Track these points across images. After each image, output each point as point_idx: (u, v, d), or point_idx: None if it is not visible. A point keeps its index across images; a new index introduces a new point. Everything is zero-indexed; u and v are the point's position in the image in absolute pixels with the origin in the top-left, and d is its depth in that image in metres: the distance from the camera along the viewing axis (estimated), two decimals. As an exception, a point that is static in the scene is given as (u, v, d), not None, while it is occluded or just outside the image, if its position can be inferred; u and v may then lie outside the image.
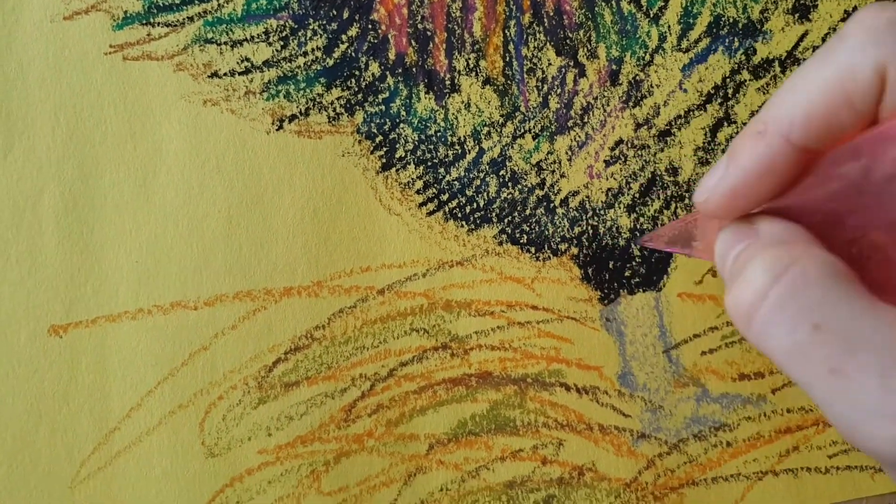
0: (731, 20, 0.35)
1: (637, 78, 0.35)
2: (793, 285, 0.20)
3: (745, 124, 0.34)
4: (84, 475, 0.31)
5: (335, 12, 0.34)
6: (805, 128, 0.21)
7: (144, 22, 0.33)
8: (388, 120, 0.34)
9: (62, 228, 0.32)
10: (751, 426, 0.34)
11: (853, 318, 0.20)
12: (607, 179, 0.34)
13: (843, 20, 0.35)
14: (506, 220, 0.34)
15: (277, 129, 0.33)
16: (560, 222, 0.34)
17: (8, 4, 0.33)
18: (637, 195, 0.34)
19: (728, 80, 0.35)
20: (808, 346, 0.20)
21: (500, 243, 0.34)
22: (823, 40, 0.35)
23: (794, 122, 0.22)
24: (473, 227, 0.34)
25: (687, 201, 0.34)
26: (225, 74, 0.33)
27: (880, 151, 0.21)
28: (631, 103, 0.35)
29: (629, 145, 0.34)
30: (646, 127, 0.35)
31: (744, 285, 0.21)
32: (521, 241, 0.34)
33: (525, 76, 0.34)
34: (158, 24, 0.33)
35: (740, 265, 0.22)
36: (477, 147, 0.34)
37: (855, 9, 0.35)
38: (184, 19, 0.33)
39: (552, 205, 0.34)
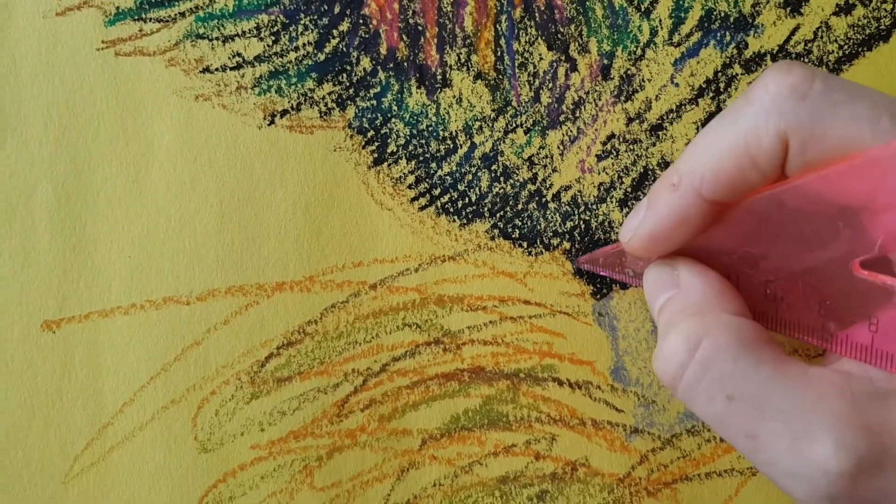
0: (723, 14, 0.35)
1: (628, 72, 0.35)
2: (704, 360, 0.22)
3: (737, 118, 0.35)
4: (77, 470, 0.32)
5: (326, 7, 0.34)
6: (714, 184, 0.23)
7: (136, 18, 0.33)
8: (379, 115, 0.34)
9: (55, 224, 0.32)
10: (744, 420, 0.34)
11: (763, 386, 0.22)
12: (599, 174, 0.34)
13: (835, 14, 0.35)
14: (498, 215, 0.34)
15: (269, 124, 0.33)
16: (552, 217, 0.34)
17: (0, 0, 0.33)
18: (629, 189, 0.34)
19: (720, 74, 0.35)
20: (724, 415, 0.22)
21: (493, 238, 0.34)
22: (815, 34, 0.35)
23: (704, 178, 0.24)
24: (465, 221, 0.34)
25: (679, 195, 0.34)
26: (216, 69, 0.33)
27: (791, 203, 0.22)
28: (622, 98, 0.35)
29: (621, 140, 0.35)
30: (637, 121, 0.35)
31: (664, 358, 0.24)
32: (514, 236, 0.34)
33: (516, 71, 0.34)
34: (150, 19, 0.33)
35: (663, 326, 0.25)
36: (469, 142, 0.34)
37: (847, 2, 0.35)
38: (175, 15, 0.33)
39: (544, 199, 0.34)
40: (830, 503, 0.20)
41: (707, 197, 0.24)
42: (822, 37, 0.35)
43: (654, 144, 0.35)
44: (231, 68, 0.33)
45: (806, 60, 0.35)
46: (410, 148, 0.34)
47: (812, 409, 0.21)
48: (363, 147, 0.34)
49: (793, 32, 0.35)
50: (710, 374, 0.22)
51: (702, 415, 0.23)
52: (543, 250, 0.34)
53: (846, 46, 0.35)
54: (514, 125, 0.34)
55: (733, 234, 0.25)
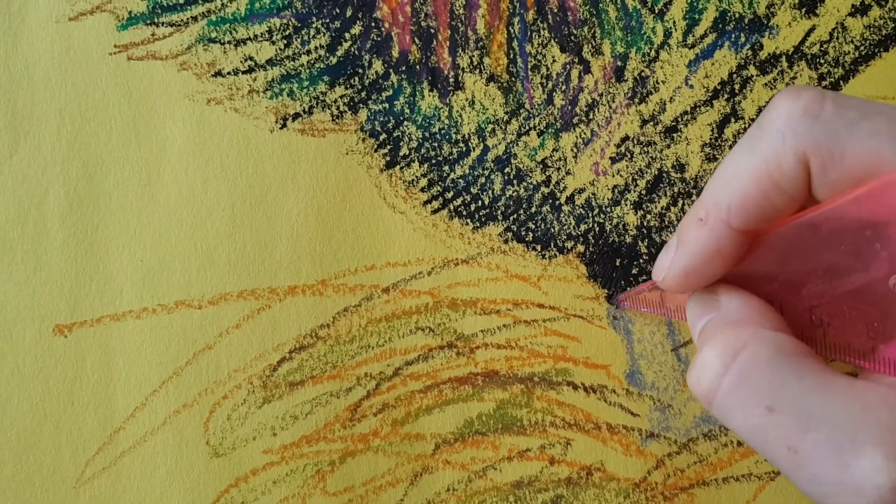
0: (737, 15, 0.35)
1: (642, 74, 0.35)
2: (742, 371, 0.22)
3: (752, 120, 0.35)
4: (89, 475, 0.32)
5: (338, 10, 0.34)
6: (741, 213, 0.23)
7: (149, 22, 0.34)
8: (391, 118, 0.34)
9: (67, 228, 0.33)
10: (761, 425, 0.34)
11: (805, 396, 0.21)
12: (613, 176, 0.35)
13: (851, 15, 0.35)
14: (511, 218, 0.34)
15: (281, 128, 0.34)
16: (566, 220, 0.34)
17: (14, 6, 0.33)
18: (643, 192, 0.35)
19: (735, 75, 0.35)
20: (763, 427, 0.21)
21: (506, 241, 0.34)
22: (831, 35, 0.35)
23: (731, 208, 0.23)
24: (478, 224, 0.34)
25: (694, 198, 0.35)
26: (228, 73, 0.34)
27: (825, 227, 0.22)
28: (636, 100, 0.35)
29: (635, 142, 0.35)
30: (652, 123, 0.35)
31: (699, 371, 0.23)
32: (527, 239, 0.34)
33: (529, 73, 0.35)
34: (162, 24, 0.34)
35: (699, 345, 0.24)
36: (481, 144, 0.34)
37: (863, 3, 0.35)
38: (187, 19, 0.34)
39: (558, 202, 0.34)
40: None
41: (736, 227, 0.24)
42: (837, 38, 0.35)
43: (668, 146, 0.35)
44: (243, 72, 0.34)
45: (822, 61, 0.35)
46: (423, 151, 0.34)
47: (859, 421, 0.20)
48: (375, 150, 0.34)
49: (808, 33, 0.35)
50: (749, 384, 0.22)
51: (739, 428, 0.22)
52: (557, 253, 0.34)
53: (862, 47, 0.35)
54: (527, 128, 0.34)
55: (771, 262, 0.25)
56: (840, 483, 0.20)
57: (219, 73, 0.34)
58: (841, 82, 0.35)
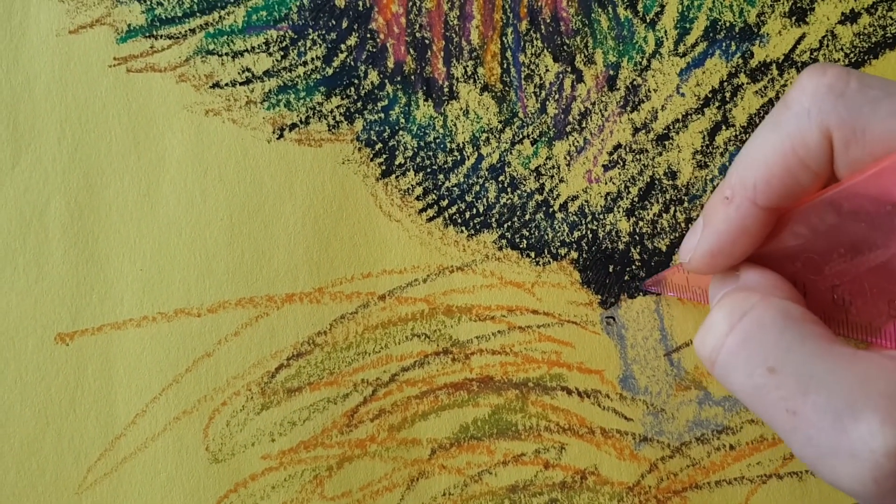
0: (728, 24, 0.36)
1: (634, 83, 0.35)
2: (747, 332, 0.22)
3: (743, 128, 0.35)
4: (91, 481, 0.33)
5: (334, 22, 0.35)
6: (767, 191, 0.24)
7: (147, 35, 0.34)
8: (387, 127, 0.35)
9: (68, 238, 0.33)
10: (754, 429, 0.35)
11: (807, 360, 0.21)
12: (606, 184, 0.35)
13: (841, 23, 0.36)
14: (505, 226, 0.35)
15: (278, 138, 0.34)
16: (559, 227, 0.35)
17: (15, 19, 0.34)
18: (636, 199, 0.35)
19: (725, 83, 0.36)
20: (764, 388, 0.22)
21: (500, 248, 0.35)
22: (821, 43, 0.36)
23: (756, 186, 0.24)
24: (473, 232, 0.35)
25: (686, 205, 0.35)
26: (226, 85, 0.34)
27: (847, 205, 0.23)
28: (629, 108, 0.35)
29: (627, 150, 0.35)
30: (644, 131, 0.35)
31: (704, 332, 0.23)
32: (521, 246, 0.35)
33: (523, 82, 0.35)
34: (161, 36, 0.34)
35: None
36: (476, 153, 0.35)
37: (852, 11, 0.36)
38: (186, 31, 0.34)
39: (551, 209, 0.35)
40: (874, 485, 0.20)
41: (762, 204, 0.24)
42: (827, 45, 0.36)
43: (660, 154, 0.35)
44: (241, 83, 0.34)
45: (811, 69, 0.36)
46: (418, 160, 0.35)
47: (858, 387, 0.20)
48: (371, 159, 0.35)
49: (798, 41, 0.36)
50: (752, 344, 0.22)
51: (740, 389, 0.22)
52: (551, 260, 0.35)
53: (852, 55, 0.36)
54: (520, 136, 0.35)
55: (794, 242, 0.25)
56: (836, 446, 0.20)
57: (217, 85, 0.34)
58: (831, 90, 0.36)
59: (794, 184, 0.24)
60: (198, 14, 0.35)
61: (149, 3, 0.34)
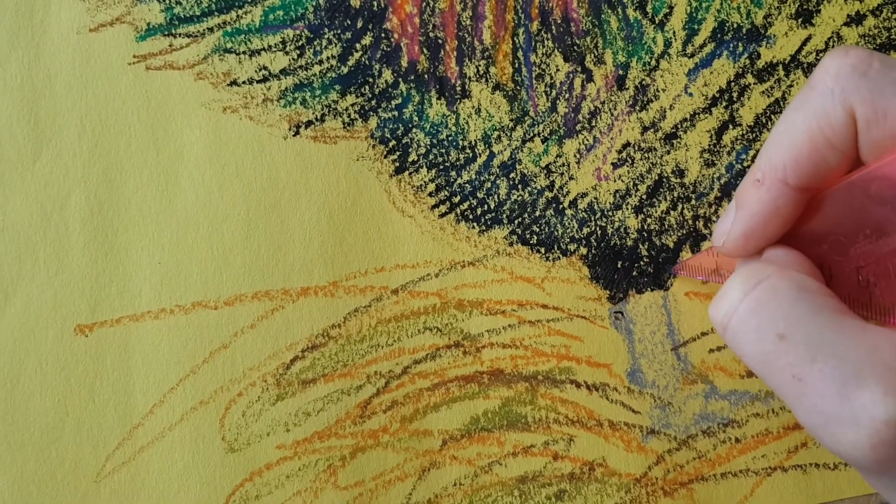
0: (736, 25, 0.37)
1: (643, 83, 0.36)
2: (760, 299, 0.23)
3: (750, 127, 0.36)
4: (109, 469, 0.33)
5: (349, 22, 0.36)
6: (797, 171, 0.24)
7: (166, 33, 0.35)
8: (400, 125, 0.36)
9: (88, 231, 0.34)
10: (759, 422, 0.36)
11: (817, 329, 0.22)
12: (615, 181, 0.36)
13: (847, 24, 0.37)
14: (516, 222, 0.36)
15: (294, 135, 0.35)
16: (569, 223, 0.36)
17: (36, 17, 0.35)
18: (644, 196, 0.36)
19: (732, 83, 0.37)
20: (772, 354, 0.22)
21: (511, 244, 0.36)
22: (827, 44, 0.37)
23: (786, 167, 0.24)
24: (484, 228, 0.36)
25: (693, 202, 0.36)
26: (244, 83, 0.35)
27: (873, 188, 0.24)
28: (637, 107, 0.36)
29: (636, 148, 0.36)
30: (652, 130, 0.36)
31: (719, 298, 0.24)
32: (532, 242, 0.36)
33: (534, 82, 0.36)
34: (180, 35, 0.35)
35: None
36: (487, 151, 0.36)
37: (858, 13, 0.37)
38: (204, 30, 0.35)
39: (561, 206, 0.36)
40: (872, 452, 0.20)
41: (792, 184, 0.25)
42: (833, 47, 0.37)
43: (668, 152, 0.36)
44: (257, 81, 0.35)
45: (817, 70, 0.37)
46: (431, 157, 0.36)
47: (865, 357, 0.21)
48: (385, 156, 0.36)
49: (804, 43, 0.37)
50: (765, 311, 0.23)
51: (749, 354, 0.23)
52: (561, 255, 0.36)
53: (856, 56, 0.37)
54: (531, 134, 0.36)
55: (821, 224, 0.26)
56: (839, 414, 0.21)
57: (234, 83, 0.35)
58: (836, 90, 0.36)
59: (821, 163, 0.24)
60: (216, 13, 0.35)
61: (168, 1, 0.35)
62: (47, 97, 0.35)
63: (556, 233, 0.36)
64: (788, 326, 0.22)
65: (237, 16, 0.36)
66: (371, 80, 0.36)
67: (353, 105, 0.36)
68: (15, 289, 0.34)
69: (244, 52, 0.35)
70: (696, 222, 0.36)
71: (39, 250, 0.34)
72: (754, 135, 0.36)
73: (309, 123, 0.35)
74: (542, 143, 0.36)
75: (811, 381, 0.21)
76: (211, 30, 0.35)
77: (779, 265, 0.24)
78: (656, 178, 0.36)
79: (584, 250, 0.36)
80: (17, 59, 0.35)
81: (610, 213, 0.36)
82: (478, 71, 0.36)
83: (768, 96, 0.37)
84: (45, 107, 0.35)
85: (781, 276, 0.23)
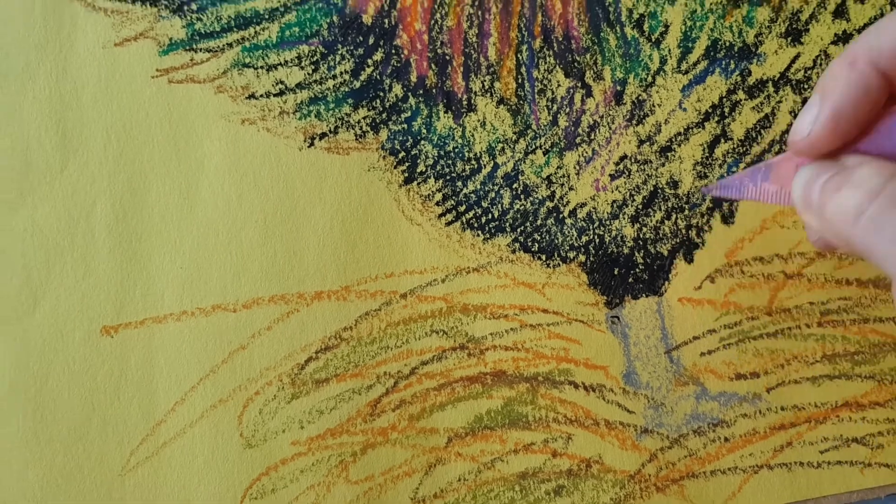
0: (728, 44, 0.39)
1: (640, 98, 0.38)
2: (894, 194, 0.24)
3: (741, 141, 0.38)
4: (133, 464, 0.36)
5: (361, 38, 0.38)
6: (892, 57, 0.25)
7: (188, 48, 0.37)
8: (410, 137, 0.38)
9: (113, 237, 0.36)
10: (747, 423, 0.38)
11: None
12: (612, 192, 0.38)
13: (834, 43, 0.39)
14: (518, 230, 0.38)
15: (309, 146, 0.37)
16: (569, 232, 0.38)
17: (63, 32, 0.37)
18: (640, 207, 0.38)
19: (725, 99, 0.39)
20: None
21: (514, 251, 0.38)
22: (815, 62, 0.39)
23: (882, 51, 0.25)
24: (489, 236, 0.38)
25: (686, 212, 0.38)
26: (261, 96, 0.37)
27: None
28: (634, 121, 0.38)
29: (633, 160, 0.38)
30: (648, 143, 0.38)
31: (853, 189, 0.25)
32: (533, 250, 0.38)
33: (536, 96, 0.38)
34: (200, 49, 0.37)
35: (834, 185, 0.26)
36: (492, 162, 0.38)
37: (844, 32, 0.39)
38: (223, 45, 0.37)
39: (561, 215, 0.38)
40: None
41: (885, 70, 0.25)
42: (821, 65, 0.39)
43: (663, 165, 0.38)
44: (274, 95, 0.37)
45: (805, 87, 0.39)
46: (438, 168, 0.38)
47: None
48: (395, 167, 0.38)
49: (793, 60, 0.39)
50: None
51: (883, 238, 0.24)
52: (561, 262, 0.38)
53: (843, 74, 0.39)
54: (533, 147, 0.38)
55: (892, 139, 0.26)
56: None
57: (252, 96, 0.37)
58: (823, 107, 0.39)
59: None
60: (235, 29, 0.37)
61: (189, 18, 0.37)
62: (74, 109, 0.37)
63: (556, 241, 0.38)
64: None
65: (255, 32, 0.38)
66: (382, 94, 0.38)
67: (364, 118, 0.38)
68: (44, 292, 0.36)
69: (262, 67, 0.37)
70: (689, 231, 0.38)
71: (67, 255, 0.36)
72: (745, 148, 0.39)
73: (323, 135, 0.37)
74: (544, 155, 0.38)
75: None
76: (230, 45, 0.37)
77: (855, 156, 0.25)
78: (651, 189, 0.38)
79: (582, 258, 0.38)
80: (46, 72, 0.37)
81: (607, 223, 0.38)
82: (483, 86, 0.38)
83: (758, 111, 0.39)
84: (73, 118, 0.37)
85: None
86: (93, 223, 0.36)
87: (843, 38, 0.39)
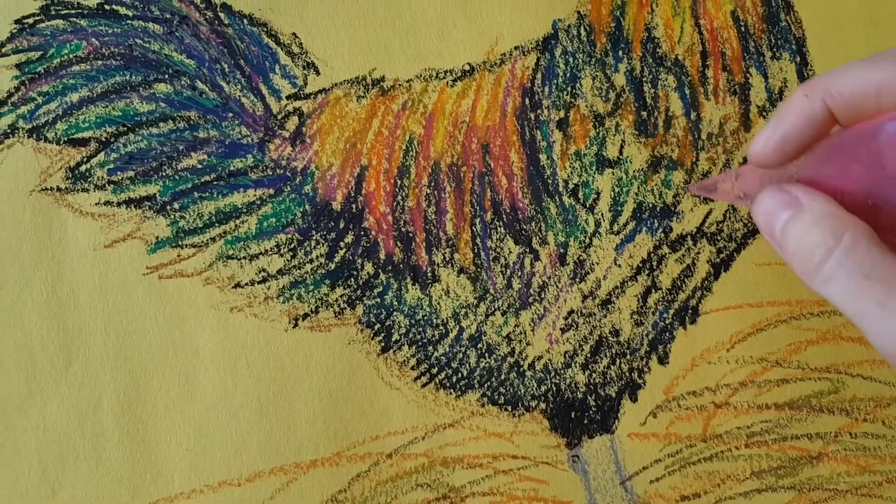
0: (651, 205, 0.60)
1: (581, 258, 0.59)
2: (846, 247, 0.41)
3: (668, 289, 0.59)
4: None
5: (333, 224, 0.56)
6: (844, 104, 0.41)
7: (174, 245, 0.55)
8: (383, 310, 0.57)
9: (121, 427, 0.53)
10: (694, 536, 0.58)
11: (890, 269, 0.41)
12: (564, 344, 0.58)
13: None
14: (486, 385, 0.57)
15: (294, 327, 0.55)
16: (529, 383, 0.58)
17: (55, 237, 0.54)
18: (588, 355, 0.59)
19: (652, 254, 0.60)
20: (861, 290, 0.39)
21: (483, 405, 0.57)
22: (724, 216, 0.61)
23: (834, 93, 0.42)
24: (460, 393, 0.57)
25: (628, 357, 0.59)
26: (246, 284, 0.55)
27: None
28: (577, 279, 0.59)
29: (579, 314, 0.59)
30: (591, 298, 0.59)
31: (810, 249, 0.40)
32: (500, 402, 0.57)
33: (491, 263, 0.58)
34: (186, 245, 0.55)
35: (799, 233, 0.41)
36: (457, 326, 0.57)
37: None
38: (207, 240, 0.55)
39: (522, 369, 0.58)
40: None
41: (832, 107, 0.41)
42: (730, 218, 0.61)
43: (605, 316, 0.59)
44: (258, 282, 0.55)
45: (718, 238, 0.60)
46: (410, 335, 0.57)
47: None
48: (372, 338, 0.56)
49: (707, 216, 0.61)
50: (853, 256, 0.39)
51: (840, 291, 0.39)
52: (525, 411, 0.58)
53: (749, 223, 0.61)
54: (493, 309, 0.58)
55: (839, 162, 0.42)
56: None
57: (238, 285, 0.55)
58: (734, 254, 0.60)
59: (871, 105, 0.40)
60: (216, 224, 0.55)
61: (173, 216, 0.55)
62: (72, 309, 0.53)
63: (519, 392, 0.58)
64: (871, 268, 0.39)
65: (235, 225, 0.56)
66: (355, 272, 0.57)
67: (341, 296, 0.56)
68: (61, 484, 0.52)
69: (244, 258, 0.55)
70: (632, 374, 0.59)
71: (79, 447, 0.53)
72: (672, 296, 0.60)
73: (305, 315, 0.56)
74: (503, 315, 0.58)
75: (892, 306, 0.38)
76: (213, 239, 0.55)
77: (842, 216, 0.41)
78: (597, 338, 0.59)
79: (543, 405, 0.58)
80: (42, 277, 0.53)
81: (562, 372, 0.58)
82: (444, 258, 0.57)
83: (681, 263, 0.60)
84: (72, 318, 0.53)
85: (857, 227, 0.40)
86: (101, 415, 0.53)
87: (747, 192, 0.61)
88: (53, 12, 0.55)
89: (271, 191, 0.56)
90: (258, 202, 0.56)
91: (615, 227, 0.60)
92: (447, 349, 0.57)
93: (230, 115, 0.56)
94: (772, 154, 0.43)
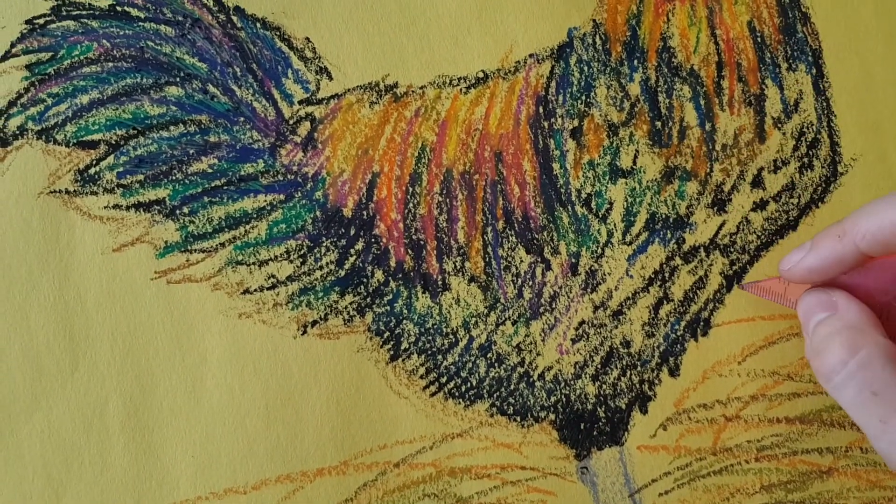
0: (664, 216, 0.60)
1: (592, 268, 0.59)
2: (860, 363, 0.46)
3: (680, 301, 0.59)
4: None
5: (343, 230, 0.57)
6: (873, 243, 0.47)
7: (183, 250, 0.55)
8: (393, 318, 0.57)
9: (127, 432, 0.53)
10: (702, 551, 0.59)
11: None
12: (574, 355, 0.58)
13: (753, 210, 0.61)
14: (495, 396, 0.57)
15: (302, 334, 0.55)
16: (539, 394, 0.58)
17: (62, 241, 0.54)
18: (599, 366, 0.59)
19: (664, 265, 0.60)
20: (867, 404, 0.45)
21: (492, 415, 0.57)
22: (738, 228, 0.61)
23: (866, 236, 0.48)
24: (468, 403, 0.57)
25: (639, 368, 0.59)
26: (255, 290, 0.55)
27: None
28: (589, 290, 0.59)
29: (590, 325, 0.59)
30: (602, 309, 0.59)
31: (828, 355, 0.47)
32: (509, 412, 0.57)
33: (503, 273, 0.58)
34: (195, 250, 0.55)
35: (824, 336, 0.48)
36: (467, 335, 0.57)
37: (762, 200, 0.61)
38: (216, 245, 0.55)
39: (532, 379, 0.58)
40: None
41: (863, 250, 0.47)
42: (743, 229, 0.61)
43: (616, 327, 0.59)
44: (267, 288, 0.55)
45: (731, 250, 0.60)
46: (420, 344, 0.57)
47: None
48: (381, 346, 0.56)
49: (720, 227, 0.61)
50: (864, 373, 0.44)
51: (848, 401, 0.45)
52: (534, 422, 0.58)
53: (763, 236, 0.61)
54: (503, 319, 0.58)
55: (877, 278, 0.49)
56: None
57: (247, 291, 0.55)
58: (747, 267, 0.60)
59: (893, 245, 0.47)
60: (226, 229, 0.55)
61: (182, 221, 0.55)
62: (80, 313, 0.53)
63: (528, 403, 0.58)
64: (880, 386, 0.45)
65: (245, 231, 0.56)
66: (365, 280, 0.57)
67: (351, 303, 0.56)
68: (65, 490, 0.52)
69: (254, 263, 0.56)
70: (643, 385, 0.59)
71: (84, 453, 0.53)
72: (684, 308, 0.60)
73: (314, 323, 0.56)
74: (513, 325, 0.58)
75: (893, 424, 0.44)
76: (223, 244, 0.55)
77: (866, 329, 0.47)
78: (608, 349, 0.59)
79: (552, 416, 0.58)
80: (49, 281, 0.53)
81: (572, 383, 0.58)
82: (455, 266, 0.58)
83: (693, 275, 0.60)
84: (78, 323, 0.53)
85: (875, 345, 0.46)
86: (106, 421, 0.53)
87: (761, 206, 0.61)
88: (64, 13, 0.55)
89: (282, 196, 0.56)
90: (268, 207, 0.56)
91: (628, 238, 0.60)
92: (457, 358, 0.57)
93: (241, 119, 0.56)
94: (797, 278, 0.50)
